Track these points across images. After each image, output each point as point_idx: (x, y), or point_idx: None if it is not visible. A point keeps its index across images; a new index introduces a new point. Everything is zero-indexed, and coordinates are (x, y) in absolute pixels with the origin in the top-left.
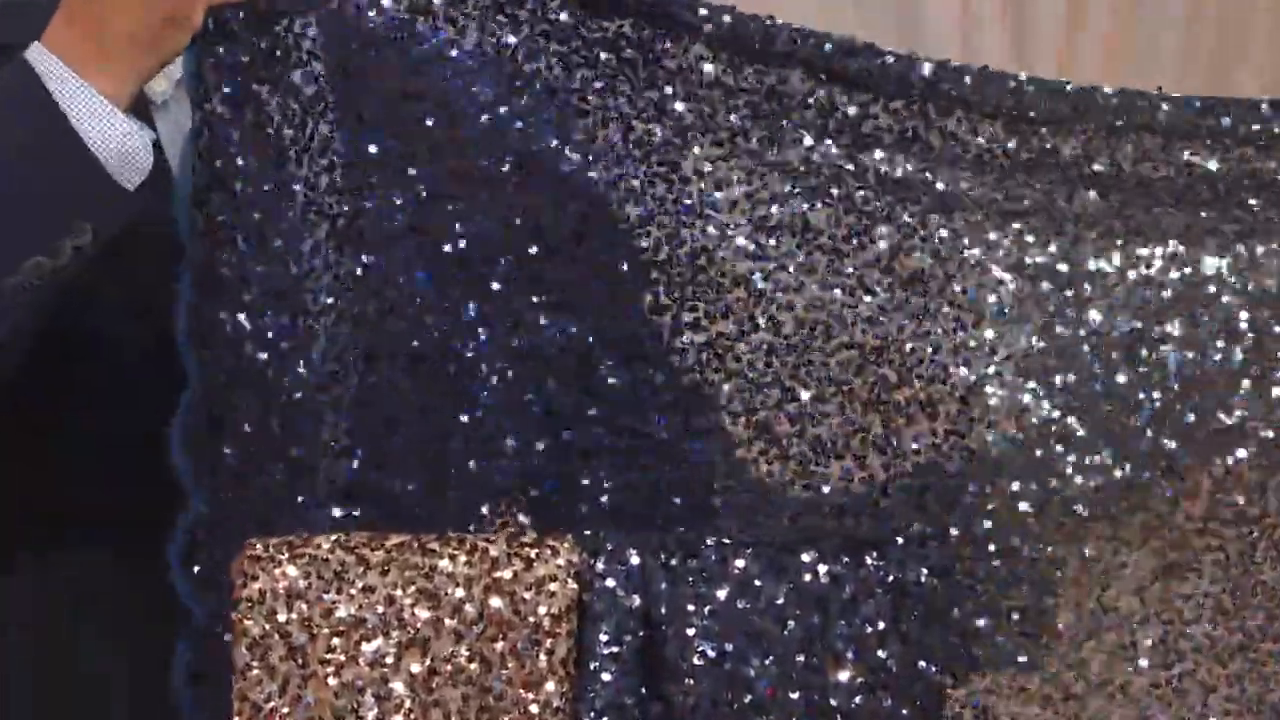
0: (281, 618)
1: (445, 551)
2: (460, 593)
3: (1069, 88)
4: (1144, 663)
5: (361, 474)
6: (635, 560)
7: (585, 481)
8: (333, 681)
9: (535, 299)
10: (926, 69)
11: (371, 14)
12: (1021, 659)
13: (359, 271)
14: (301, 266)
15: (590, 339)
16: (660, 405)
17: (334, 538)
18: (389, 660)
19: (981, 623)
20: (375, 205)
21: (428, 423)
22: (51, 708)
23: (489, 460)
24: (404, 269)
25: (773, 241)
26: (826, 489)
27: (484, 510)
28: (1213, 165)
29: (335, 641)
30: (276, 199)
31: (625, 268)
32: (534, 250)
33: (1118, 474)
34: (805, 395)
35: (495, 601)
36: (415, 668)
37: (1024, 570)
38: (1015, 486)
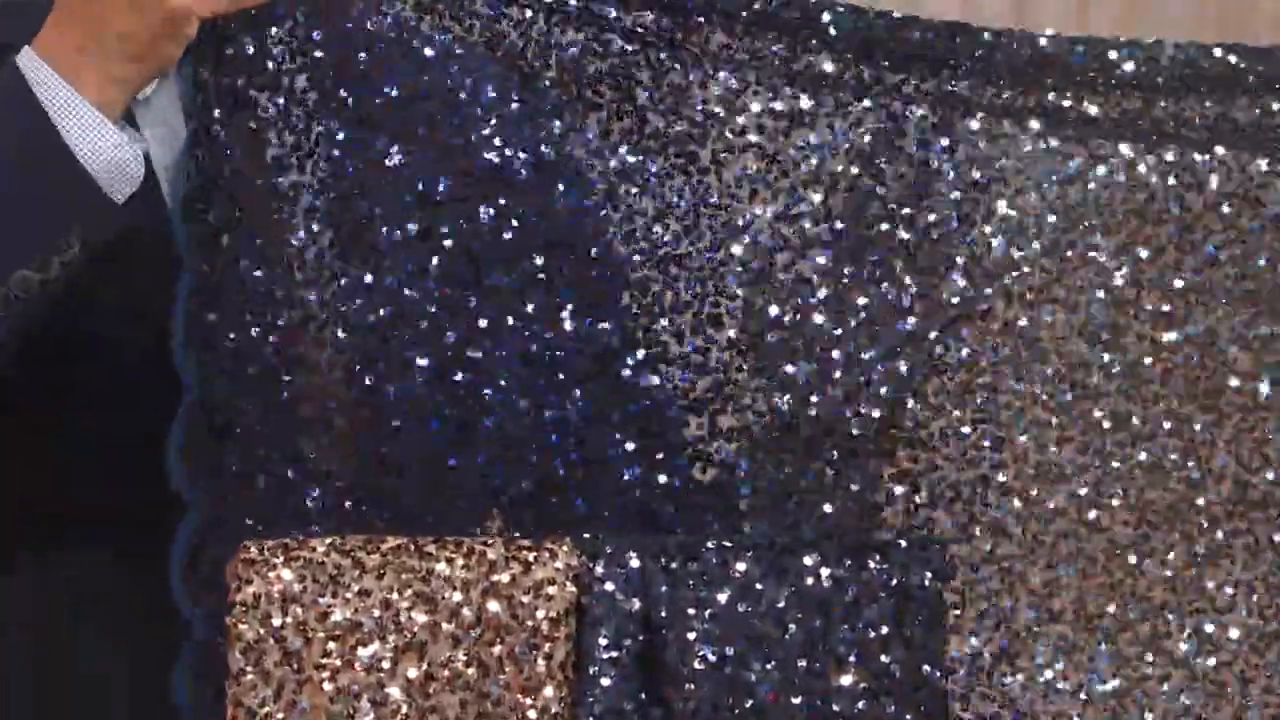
0: (276, 622)
1: (442, 555)
2: (458, 596)
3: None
4: (1179, 655)
5: (361, 476)
6: (635, 563)
7: (606, 484)
8: (328, 686)
9: (550, 299)
10: (960, 42)
11: (375, 14)
12: (1058, 653)
13: (365, 277)
14: (305, 272)
15: (608, 339)
16: (684, 405)
17: (329, 540)
18: (385, 665)
19: (1017, 615)
20: (380, 209)
21: (431, 426)
22: (51, 708)
23: (496, 463)
24: (411, 273)
25: (794, 231)
26: (856, 486)
27: (485, 514)
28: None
29: (331, 646)
30: (277, 204)
31: (643, 264)
32: (547, 250)
33: (1142, 456)
34: (834, 390)
35: (493, 605)
36: (412, 672)
37: (1055, 559)
38: (1043, 473)
